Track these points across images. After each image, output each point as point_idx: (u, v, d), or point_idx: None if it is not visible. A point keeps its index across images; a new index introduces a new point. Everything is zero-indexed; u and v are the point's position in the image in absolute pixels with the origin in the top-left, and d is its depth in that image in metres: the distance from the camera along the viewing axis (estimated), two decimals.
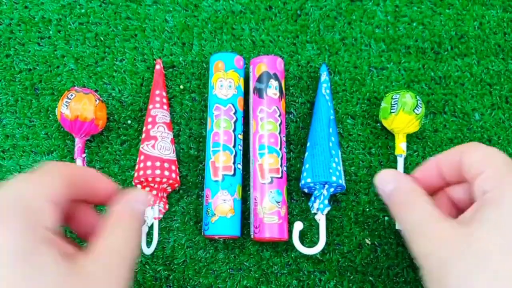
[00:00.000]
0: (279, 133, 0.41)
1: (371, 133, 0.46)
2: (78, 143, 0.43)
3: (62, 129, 0.45)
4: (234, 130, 0.40)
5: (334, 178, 0.40)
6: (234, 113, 0.41)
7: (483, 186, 0.27)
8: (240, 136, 0.41)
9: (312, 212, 0.42)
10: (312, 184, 0.41)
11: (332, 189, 0.41)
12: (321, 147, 0.41)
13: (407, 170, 0.45)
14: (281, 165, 0.40)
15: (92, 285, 0.23)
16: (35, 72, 0.47)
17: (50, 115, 0.46)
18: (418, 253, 0.28)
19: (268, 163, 0.39)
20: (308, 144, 0.43)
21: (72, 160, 0.44)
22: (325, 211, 0.41)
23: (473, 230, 0.26)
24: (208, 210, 0.39)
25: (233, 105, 0.41)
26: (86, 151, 0.45)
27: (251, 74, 0.43)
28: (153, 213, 0.41)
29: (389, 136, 0.46)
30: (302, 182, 0.41)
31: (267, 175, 0.39)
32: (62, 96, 0.43)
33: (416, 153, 0.45)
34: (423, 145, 0.46)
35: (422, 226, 0.28)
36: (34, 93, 0.46)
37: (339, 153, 0.43)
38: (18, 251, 0.21)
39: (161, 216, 0.42)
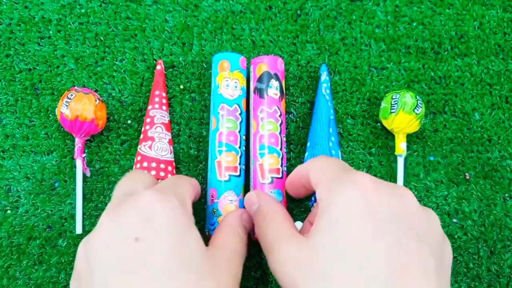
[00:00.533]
0: (280, 133, 0.41)
1: (371, 133, 0.46)
2: (78, 143, 0.43)
3: (62, 129, 0.45)
4: (239, 131, 0.40)
5: None
6: (240, 114, 0.40)
7: (319, 195, 0.28)
8: (244, 137, 0.41)
9: (312, 210, 0.42)
10: None
11: None
12: (321, 147, 0.41)
13: (407, 170, 0.45)
14: (281, 165, 0.40)
15: (219, 271, 0.28)
16: (35, 72, 0.47)
17: (50, 115, 0.46)
18: (274, 272, 0.29)
19: (268, 163, 0.39)
20: (308, 144, 0.43)
21: (72, 160, 0.44)
22: None
23: (312, 242, 0.26)
24: (214, 210, 0.38)
25: (238, 105, 0.41)
26: (86, 151, 0.45)
27: (251, 74, 0.43)
28: None
29: (389, 136, 0.46)
30: None
31: (268, 175, 0.39)
32: (62, 96, 0.43)
33: (416, 153, 0.45)
34: (423, 145, 0.46)
35: (274, 245, 0.29)
36: (34, 93, 0.46)
37: (339, 153, 0.43)
38: (178, 222, 0.27)
39: None
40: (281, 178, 0.40)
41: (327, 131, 0.42)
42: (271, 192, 0.39)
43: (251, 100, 0.42)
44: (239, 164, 0.39)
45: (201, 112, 0.46)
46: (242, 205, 0.39)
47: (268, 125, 0.40)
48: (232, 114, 0.40)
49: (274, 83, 0.42)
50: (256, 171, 0.40)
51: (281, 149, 0.41)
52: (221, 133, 0.39)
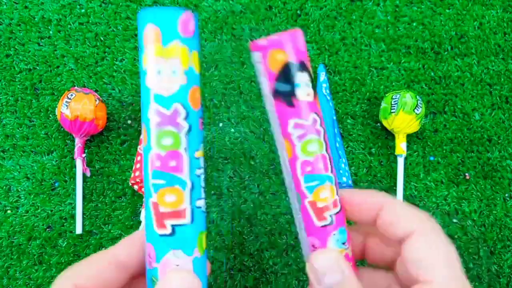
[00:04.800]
0: (326, 148, 0.27)
1: (371, 133, 0.46)
2: (78, 143, 0.43)
3: (62, 129, 0.45)
4: (186, 148, 0.23)
5: (344, 179, 0.40)
6: (185, 118, 0.23)
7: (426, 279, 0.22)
8: (198, 154, 0.24)
9: None
10: None
11: None
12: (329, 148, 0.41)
13: (407, 170, 0.45)
14: (337, 193, 0.27)
15: None
16: (35, 72, 0.47)
17: (50, 115, 0.46)
18: None
19: (323, 198, 0.27)
20: None
21: (72, 160, 0.44)
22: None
23: None
24: (154, 279, 0.23)
25: (182, 105, 0.23)
26: (86, 151, 0.45)
27: (261, 67, 0.27)
28: None
29: (389, 136, 0.46)
30: None
31: (326, 214, 0.27)
32: (62, 96, 0.43)
33: (416, 153, 0.45)
34: (423, 145, 0.46)
35: None
36: (34, 93, 0.46)
37: (345, 153, 0.43)
38: None
39: None
40: (340, 210, 0.27)
41: (332, 132, 0.42)
42: (334, 234, 0.27)
43: (273, 108, 0.28)
44: (190, 203, 0.23)
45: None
46: (199, 266, 0.23)
47: (311, 145, 0.27)
48: (171, 122, 0.23)
49: (303, 78, 0.26)
50: (307, 212, 0.27)
51: (331, 170, 0.27)
52: (155, 155, 0.23)
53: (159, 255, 0.23)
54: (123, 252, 0.24)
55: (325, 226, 0.27)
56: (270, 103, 0.27)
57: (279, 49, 0.25)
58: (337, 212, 0.27)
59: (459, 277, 0.22)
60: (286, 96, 0.26)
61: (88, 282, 0.22)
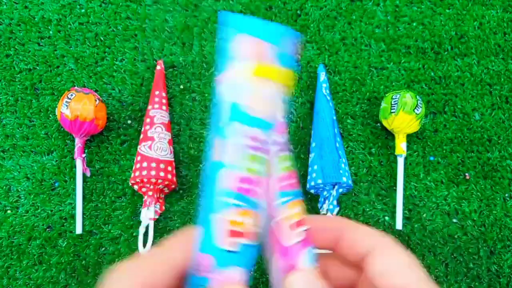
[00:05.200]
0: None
1: (371, 133, 0.46)
2: (78, 143, 0.43)
3: (62, 129, 0.45)
4: (264, 173, 0.23)
5: (344, 179, 0.40)
6: (274, 143, 0.23)
7: None
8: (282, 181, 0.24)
9: (322, 213, 0.42)
10: (322, 185, 0.41)
11: (341, 190, 0.41)
12: (329, 148, 0.41)
13: (407, 170, 0.45)
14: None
15: None
16: (35, 72, 0.47)
17: (50, 115, 0.46)
18: None
19: (292, 214, 0.24)
20: (314, 144, 0.43)
21: (72, 160, 0.44)
22: (335, 212, 0.41)
23: None
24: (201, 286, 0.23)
25: (274, 130, 0.22)
26: (86, 151, 0.45)
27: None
28: (149, 214, 0.41)
29: (389, 136, 0.46)
30: (312, 183, 0.41)
31: (296, 231, 0.24)
32: (62, 96, 0.43)
33: (416, 153, 0.45)
34: (423, 145, 0.46)
35: None
36: (34, 93, 0.46)
37: (345, 153, 0.43)
38: None
39: (157, 217, 0.42)
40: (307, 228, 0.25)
41: (332, 132, 0.42)
42: (304, 254, 0.24)
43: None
44: (261, 228, 0.24)
45: (201, 112, 0.46)
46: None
47: (285, 162, 0.24)
48: (264, 147, 0.22)
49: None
50: (278, 231, 0.24)
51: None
52: (233, 176, 0.22)
53: (219, 265, 0.23)
54: (180, 257, 0.23)
55: (294, 244, 0.24)
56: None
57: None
58: (306, 230, 0.25)
59: (427, 279, 0.22)
60: None
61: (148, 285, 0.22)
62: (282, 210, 0.24)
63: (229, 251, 0.23)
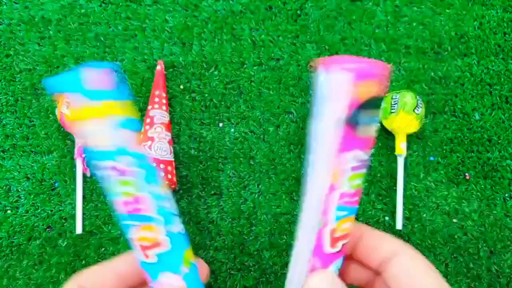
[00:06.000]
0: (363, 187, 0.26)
1: None
2: (78, 143, 0.43)
3: (62, 129, 0.45)
4: (150, 192, 0.25)
5: None
6: (140, 165, 0.25)
7: None
8: (159, 190, 0.25)
9: None
10: None
11: None
12: None
13: (407, 170, 0.45)
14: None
15: None
16: (35, 72, 0.47)
17: (50, 115, 0.46)
18: None
19: (344, 229, 0.27)
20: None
21: (72, 160, 0.44)
22: None
23: None
24: None
25: (131, 155, 0.24)
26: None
27: (333, 87, 0.26)
28: None
29: (389, 136, 0.46)
30: None
31: (339, 243, 0.27)
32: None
33: (416, 153, 0.45)
34: (423, 145, 0.46)
35: None
36: (34, 93, 0.46)
37: None
38: None
39: None
40: (348, 241, 0.28)
41: None
42: (336, 261, 0.28)
43: (337, 133, 0.27)
44: (166, 233, 0.26)
45: (201, 112, 0.46)
46: (190, 277, 0.26)
47: (358, 179, 0.26)
48: (124, 173, 0.24)
49: (379, 113, 0.26)
50: (323, 238, 0.27)
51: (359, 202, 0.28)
52: (118, 202, 0.25)
53: (152, 277, 0.26)
54: (123, 267, 0.27)
55: (334, 253, 0.27)
56: (331, 126, 0.26)
57: (374, 80, 0.24)
58: (346, 242, 0.27)
59: (446, 285, 0.24)
60: (361, 126, 0.25)
61: (91, 287, 0.25)
62: (335, 222, 0.27)
63: (149, 263, 0.26)
